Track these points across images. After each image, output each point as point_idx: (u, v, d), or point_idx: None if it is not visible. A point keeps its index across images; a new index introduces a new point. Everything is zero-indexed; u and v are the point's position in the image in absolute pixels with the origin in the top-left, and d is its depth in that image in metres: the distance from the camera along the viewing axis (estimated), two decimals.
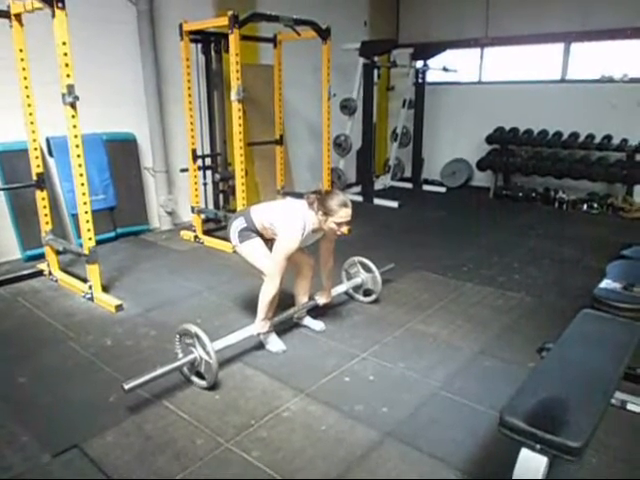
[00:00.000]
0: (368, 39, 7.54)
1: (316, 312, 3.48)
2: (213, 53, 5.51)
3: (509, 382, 2.57)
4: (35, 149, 3.95)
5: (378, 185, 7.80)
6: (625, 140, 6.47)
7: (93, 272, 3.77)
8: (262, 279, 2.96)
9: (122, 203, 5.30)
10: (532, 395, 1.72)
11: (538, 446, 1.55)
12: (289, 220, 2.88)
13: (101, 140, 5.12)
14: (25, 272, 4.26)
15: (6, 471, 2.13)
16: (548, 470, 1.59)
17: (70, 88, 3.30)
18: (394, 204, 6.83)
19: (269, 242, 3.01)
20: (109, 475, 2.10)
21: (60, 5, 3.17)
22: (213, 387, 2.67)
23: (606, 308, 2.76)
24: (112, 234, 5.25)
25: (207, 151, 5.79)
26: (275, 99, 5.75)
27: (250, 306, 3.49)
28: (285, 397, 2.62)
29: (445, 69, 7.76)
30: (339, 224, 2.88)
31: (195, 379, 2.72)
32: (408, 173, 8.25)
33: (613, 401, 2.43)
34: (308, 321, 3.41)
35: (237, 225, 3.01)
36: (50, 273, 4.22)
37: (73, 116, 3.37)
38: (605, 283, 3.00)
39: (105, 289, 3.91)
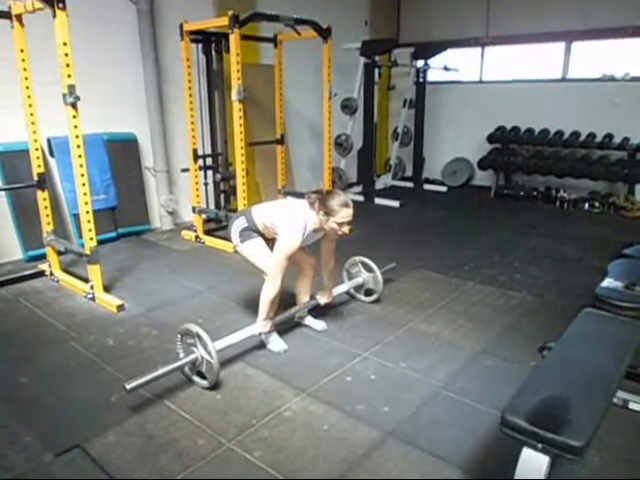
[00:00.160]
0: (369, 38, 7.54)
1: (317, 312, 3.48)
2: (214, 53, 5.51)
3: (510, 381, 2.56)
4: (36, 149, 3.95)
5: (379, 185, 7.79)
6: (626, 139, 6.46)
7: (94, 272, 3.77)
8: (263, 279, 2.96)
9: (123, 203, 5.30)
10: (534, 394, 1.72)
11: (540, 445, 1.55)
12: (290, 220, 2.88)
13: (102, 140, 5.12)
14: (27, 272, 4.26)
15: (9, 471, 2.13)
16: (550, 469, 1.59)
17: (71, 88, 3.30)
18: (395, 204, 6.83)
19: (270, 242, 3.01)
20: (111, 475, 2.10)
21: (61, 5, 3.18)
22: (214, 387, 2.67)
23: (608, 307, 2.75)
24: (113, 234, 5.26)
25: (208, 151, 5.79)
26: (276, 99, 5.75)
27: (251, 306, 3.49)
28: (286, 397, 2.63)
29: (446, 68, 7.76)
30: (340, 224, 2.88)
31: (196, 379, 2.72)
32: (409, 172, 8.25)
33: (615, 400, 2.42)
34: (309, 321, 3.41)
35: (238, 225, 3.01)
36: (51, 273, 4.22)
37: (74, 116, 3.37)
38: (607, 282, 2.99)
39: (106, 289, 3.92)
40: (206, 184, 5.79)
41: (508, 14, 7.40)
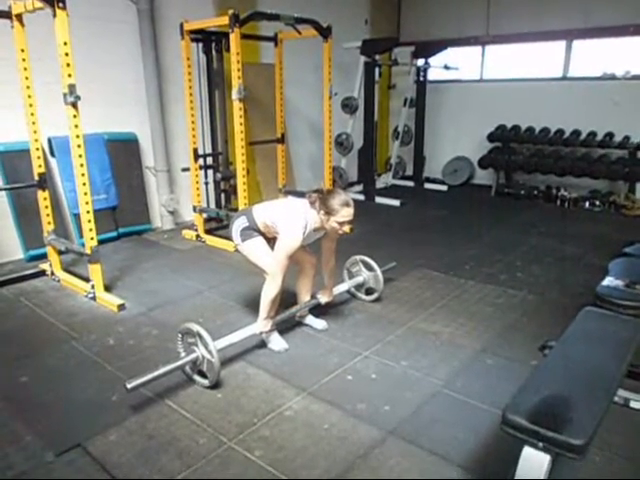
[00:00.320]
0: (369, 37, 7.54)
1: (318, 311, 3.48)
2: (214, 52, 5.50)
3: (511, 380, 2.57)
4: (37, 149, 3.95)
5: (380, 184, 7.80)
6: (627, 137, 6.46)
7: (95, 272, 3.77)
8: (264, 278, 2.96)
9: (124, 203, 5.31)
10: (535, 393, 1.72)
11: (541, 444, 1.55)
12: (291, 219, 2.88)
13: (103, 140, 5.12)
14: (27, 272, 4.27)
15: (9, 470, 2.13)
16: (551, 468, 1.59)
17: (71, 88, 3.30)
18: (396, 202, 6.83)
19: (271, 241, 3.01)
20: (112, 474, 2.11)
21: (61, 5, 3.18)
22: (215, 386, 2.67)
23: (609, 306, 2.76)
24: (114, 234, 5.26)
25: (208, 150, 5.79)
26: (276, 98, 5.75)
27: (252, 305, 3.49)
28: (287, 396, 2.63)
29: (446, 67, 7.76)
30: (341, 223, 2.87)
31: (197, 378, 2.72)
32: (410, 171, 8.25)
33: (616, 399, 2.42)
34: (310, 320, 3.41)
35: (239, 224, 3.01)
36: (52, 273, 4.23)
37: (75, 116, 3.37)
38: (607, 281, 3.00)
39: (107, 288, 3.92)
40: (207, 183, 5.79)
41: (508, 13, 7.39)
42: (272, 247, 2.96)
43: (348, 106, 7.04)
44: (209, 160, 5.79)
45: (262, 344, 3.11)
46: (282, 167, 5.91)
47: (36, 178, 4.01)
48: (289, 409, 2.52)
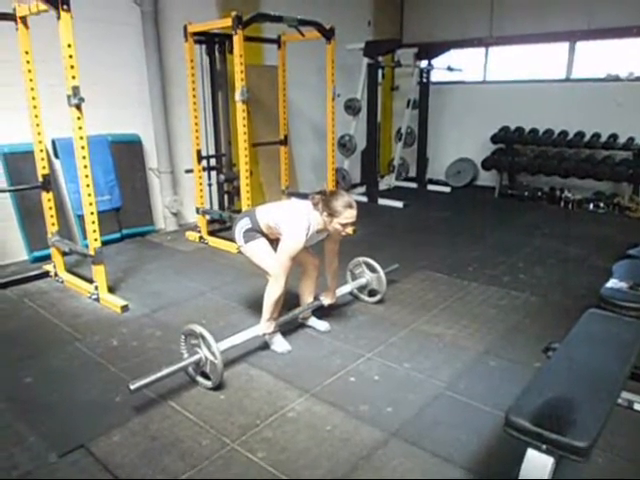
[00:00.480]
0: (372, 39, 7.54)
1: (321, 312, 3.48)
2: (217, 54, 5.52)
3: (515, 382, 2.56)
4: (41, 150, 3.97)
5: (383, 185, 7.79)
6: (631, 139, 6.44)
7: (99, 273, 3.78)
8: (267, 279, 2.97)
9: (127, 204, 5.32)
10: (538, 395, 1.72)
11: (544, 446, 1.54)
12: (294, 220, 2.89)
13: (106, 141, 5.14)
14: (31, 273, 4.28)
15: (13, 470, 2.14)
16: (554, 470, 1.59)
17: (75, 90, 3.31)
18: (399, 204, 6.82)
19: (274, 242, 3.01)
20: (115, 474, 2.11)
21: (65, 7, 3.19)
22: (218, 387, 2.67)
23: (612, 308, 2.74)
24: (118, 235, 5.27)
25: (212, 152, 5.80)
26: (279, 100, 5.75)
27: (255, 306, 3.49)
28: (290, 397, 2.63)
29: (449, 69, 7.75)
30: (344, 225, 2.87)
31: (200, 379, 2.72)
32: (413, 173, 8.24)
33: (620, 401, 2.41)
34: (313, 321, 3.41)
35: (242, 225, 3.02)
36: (56, 274, 4.24)
37: (78, 118, 3.39)
38: (611, 283, 2.98)
39: (111, 290, 3.93)
40: (210, 185, 5.81)
41: (512, 14, 7.39)
42: (275, 249, 2.96)
43: (351, 108, 7.05)
44: (212, 162, 5.80)
45: (265, 346, 3.11)
46: (285, 169, 5.92)
47: (40, 179, 4.02)
48: (292, 410, 2.52)
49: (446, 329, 3.37)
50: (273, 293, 2.92)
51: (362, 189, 7.41)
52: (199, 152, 5.30)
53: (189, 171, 5.46)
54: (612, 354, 2.01)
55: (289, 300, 3.31)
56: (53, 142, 4.72)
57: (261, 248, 2.99)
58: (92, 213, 3.62)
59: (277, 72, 5.74)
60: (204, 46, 5.47)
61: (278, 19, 4.64)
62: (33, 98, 3.82)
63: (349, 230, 2.93)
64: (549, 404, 1.67)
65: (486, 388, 2.69)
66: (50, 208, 4.12)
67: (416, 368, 2.89)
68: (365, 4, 7.95)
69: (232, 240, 3.30)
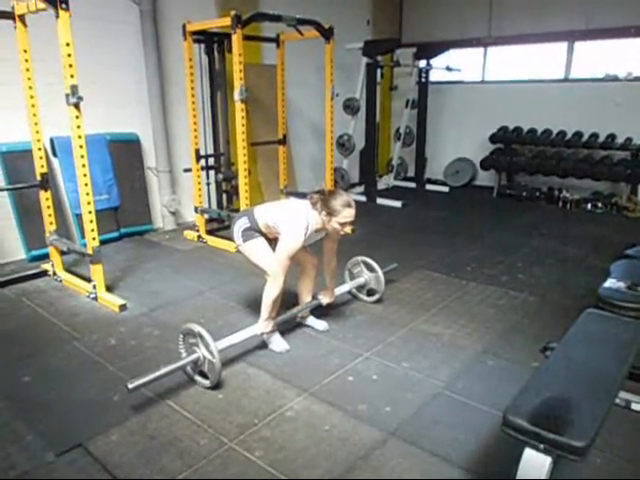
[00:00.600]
0: (371, 39, 7.54)
1: (319, 312, 3.48)
2: (216, 53, 5.52)
3: (513, 382, 2.56)
4: (39, 149, 3.96)
5: (381, 185, 7.79)
6: (629, 139, 6.45)
7: (97, 272, 3.78)
8: (265, 279, 2.97)
9: (126, 203, 5.31)
10: (536, 395, 1.72)
11: (542, 446, 1.55)
12: (292, 219, 2.89)
13: (105, 140, 5.14)
14: (29, 272, 4.27)
15: (11, 469, 2.14)
16: (552, 470, 1.59)
17: (74, 88, 3.31)
18: (397, 204, 6.83)
19: (272, 242, 3.01)
20: (113, 474, 2.11)
21: (64, 6, 3.18)
22: (216, 386, 2.67)
23: (610, 307, 2.75)
24: (116, 234, 5.27)
25: (210, 151, 5.79)
26: (278, 99, 5.75)
27: (253, 305, 3.49)
28: (288, 396, 2.63)
29: (448, 68, 7.75)
30: (343, 224, 2.87)
31: (198, 378, 2.72)
32: (411, 173, 8.24)
33: (617, 401, 2.42)
34: (311, 321, 3.41)
35: (241, 224, 3.01)
36: (54, 273, 4.23)
37: (77, 116, 3.38)
38: (609, 282, 2.99)
39: (109, 289, 3.92)
40: (208, 184, 5.81)
41: (510, 14, 7.39)
42: (273, 248, 2.96)
43: (350, 107, 7.04)
44: (211, 161, 5.80)
45: (263, 345, 3.11)
46: (284, 168, 5.92)
47: (38, 178, 4.02)
48: (290, 410, 2.52)
49: (444, 329, 3.37)
50: (271, 292, 2.92)
51: (361, 188, 7.41)
52: (198, 151, 5.29)
53: (187, 170, 5.46)
54: (610, 354, 2.01)
55: (287, 299, 3.31)
56: (51, 141, 4.71)
57: (259, 247, 2.99)
58: (90, 212, 3.62)
59: (276, 71, 5.73)
60: (203, 45, 5.46)
61: (277, 18, 4.63)
62: (31, 97, 3.81)
63: (348, 229, 2.93)
64: (547, 404, 1.67)
65: (484, 388, 2.69)
66: (48, 207, 4.12)
67: (414, 367, 2.90)
68: (364, 3, 7.95)
69: (230, 239, 3.30)
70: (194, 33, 5.01)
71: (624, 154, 6.52)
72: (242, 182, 4.75)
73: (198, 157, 5.31)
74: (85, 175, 3.52)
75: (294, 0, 5.91)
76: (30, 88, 3.79)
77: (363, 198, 7.06)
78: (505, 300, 3.82)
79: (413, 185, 8.04)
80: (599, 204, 6.59)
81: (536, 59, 7.53)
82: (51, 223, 4.16)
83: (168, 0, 5.42)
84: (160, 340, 3.23)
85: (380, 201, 7.00)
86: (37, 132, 3.91)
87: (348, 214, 2.85)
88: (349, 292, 3.80)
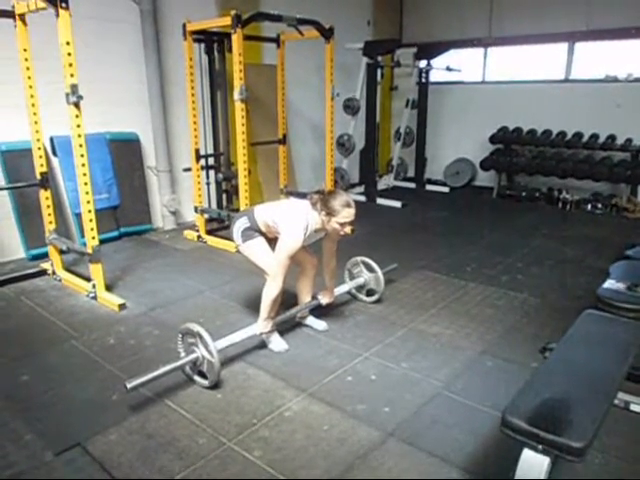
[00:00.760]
0: (371, 39, 7.54)
1: (319, 312, 3.48)
2: (216, 53, 5.51)
3: (512, 382, 2.56)
4: (39, 148, 3.96)
5: (381, 185, 7.79)
6: (629, 140, 6.44)
7: (96, 271, 3.78)
8: (265, 278, 2.97)
9: (125, 202, 5.31)
10: (535, 395, 1.72)
11: (540, 446, 1.55)
12: (292, 219, 2.89)
13: (105, 140, 5.13)
14: (29, 271, 4.27)
15: (9, 469, 2.14)
16: (550, 470, 1.59)
17: (74, 88, 3.31)
18: (397, 204, 6.83)
19: (272, 242, 3.01)
20: (111, 473, 2.11)
21: (64, 5, 3.18)
22: (215, 386, 2.67)
23: (609, 308, 2.75)
24: (115, 233, 5.27)
25: (210, 151, 5.79)
26: (278, 99, 5.75)
27: (253, 305, 3.49)
28: (287, 396, 2.63)
29: (449, 69, 7.75)
30: (342, 224, 2.87)
31: (197, 378, 2.72)
32: (411, 173, 8.24)
33: (616, 402, 2.42)
34: (311, 320, 3.41)
35: (240, 224, 3.02)
36: (54, 272, 4.23)
37: (77, 116, 3.38)
38: (609, 283, 2.99)
39: (108, 288, 3.92)
40: (208, 184, 5.81)
41: (511, 15, 7.39)
42: (273, 248, 2.96)
43: (350, 107, 7.04)
44: (211, 160, 5.79)
45: (262, 345, 3.11)
46: (283, 168, 5.92)
47: (38, 177, 4.02)
48: (289, 410, 2.52)
49: (444, 329, 3.37)
50: (271, 292, 2.92)
51: (361, 189, 7.41)
52: (197, 151, 5.29)
53: (187, 170, 5.46)
54: (609, 355, 2.01)
55: (287, 299, 3.30)
56: (51, 140, 4.71)
57: (259, 247, 2.99)
58: (90, 211, 3.62)
59: (276, 71, 5.73)
60: (203, 45, 5.46)
61: (277, 18, 4.63)
62: (31, 96, 3.81)
63: (347, 229, 2.93)
64: (546, 404, 1.67)
65: (483, 388, 2.69)
66: (48, 206, 4.12)
67: (413, 368, 2.90)
68: (365, 4, 7.95)
69: (230, 239, 3.29)
70: (194, 33, 5.00)
71: (624, 155, 6.52)
72: (242, 182, 4.75)
73: (198, 157, 5.31)
74: (85, 174, 3.52)
75: (294, 0, 5.90)
76: (30, 87, 3.79)
77: (363, 198, 7.06)
78: (504, 301, 3.82)
79: (413, 185, 8.03)
80: (599, 205, 6.59)
81: (536, 60, 7.52)
82: (51, 222, 4.16)
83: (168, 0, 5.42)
84: (159, 339, 3.23)
85: (380, 201, 7.00)
86: (37, 131, 3.90)
87: (348, 214, 2.85)
88: (348, 292, 3.80)
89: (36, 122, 3.88)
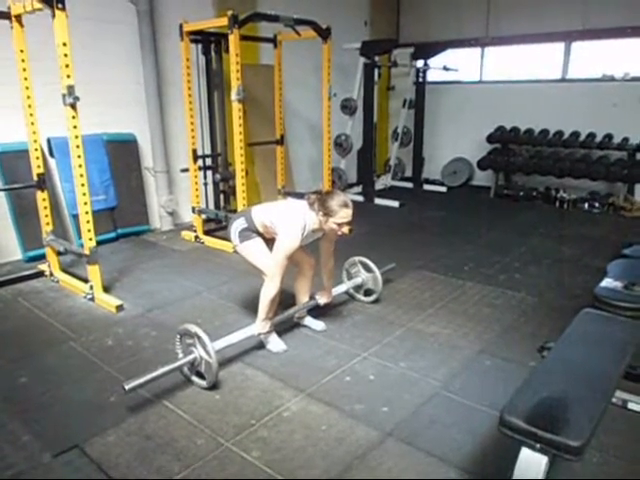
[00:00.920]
0: (369, 39, 7.55)
1: (317, 312, 3.48)
2: (213, 53, 5.52)
3: (509, 381, 2.57)
4: (36, 150, 3.96)
5: (379, 185, 7.79)
6: (626, 139, 6.46)
7: (94, 272, 3.77)
8: (262, 279, 2.96)
9: (123, 203, 5.30)
10: (533, 394, 1.72)
11: (538, 445, 1.55)
12: (290, 220, 2.89)
13: (102, 140, 5.13)
14: (26, 273, 4.27)
15: (7, 470, 2.13)
16: (548, 469, 1.59)
17: (70, 89, 3.30)
18: (395, 204, 6.83)
19: (270, 242, 3.01)
20: (109, 475, 2.10)
21: (60, 6, 3.18)
22: (213, 387, 2.67)
23: (607, 307, 2.75)
24: (113, 234, 5.26)
25: (207, 151, 5.79)
26: (275, 99, 5.75)
27: (251, 306, 3.49)
28: (286, 397, 2.63)
29: (446, 68, 7.76)
30: (340, 224, 2.88)
31: (195, 379, 2.72)
32: (409, 173, 8.25)
33: (614, 400, 2.42)
34: (309, 321, 3.41)
35: (238, 225, 3.01)
36: (51, 274, 4.22)
37: (73, 117, 3.37)
38: (606, 282, 2.99)
39: (106, 289, 3.92)
40: (206, 184, 5.80)
41: (508, 14, 7.40)
42: (271, 248, 2.96)
43: (347, 107, 7.05)
44: (208, 161, 5.80)
45: (260, 345, 3.11)
46: (281, 168, 5.92)
47: (35, 179, 4.01)
48: (287, 410, 2.52)
49: (442, 328, 3.37)
50: (269, 292, 2.92)
51: (358, 189, 7.41)
52: (195, 151, 5.29)
53: (185, 170, 5.45)
54: (606, 354, 2.01)
55: (285, 299, 3.31)
56: (48, 141, 4.70)
57: (257, 247, 2.99)
58: (87, 212, 3.61)
59: (273, 71, 5.74)
60: (200, 45, 5.46)
61: (274, 18, 4.63)
62: (28, 97, 3.80)
63: (345, 230, 2.93)
64: (543, 403, 1.68)
65: (481, 387, 2.70)
66: (45, 207, 4.11)
67: (412, 367, 2.90)
68: (362, 4, 7.95)
69: (228, 239, 3.29)
70: (191, 33, 5.00)
71: (621, 154, 6.54)
72: (239, 182, 4.74)
73: (195, 157, 5.31)
74: (82, 175, 3.51)
75: (292, 0, 5.90)
76: (27, 88, 3.79)
77: (361, 198, 7.06)
78: (502, 300, 3.83)
79: (410, 185, 8.04)
80: (596, 204, 6.60)
81: (533, 59, 7.54)
82: (48, 223, 4.15)
83: (165, 0, 5.41)
84: (157, 341, 3.22)
85: (378, 201, 7.01)
86: (34, 132, 3.90)
87: (345, 214, 2.86)
88: (346, 292, 3.80)
89: (33, 123, 3.88)
